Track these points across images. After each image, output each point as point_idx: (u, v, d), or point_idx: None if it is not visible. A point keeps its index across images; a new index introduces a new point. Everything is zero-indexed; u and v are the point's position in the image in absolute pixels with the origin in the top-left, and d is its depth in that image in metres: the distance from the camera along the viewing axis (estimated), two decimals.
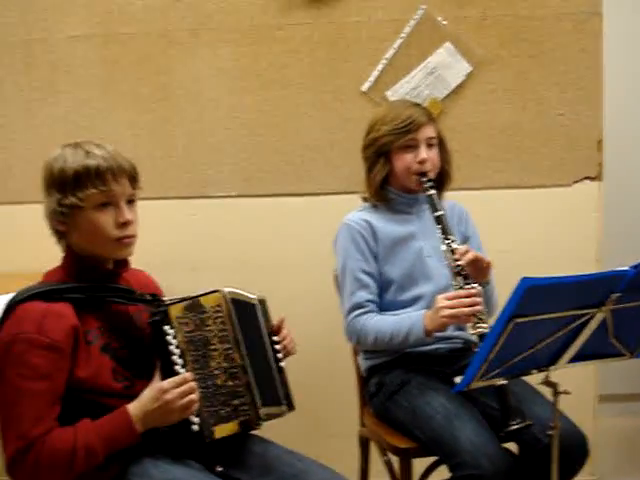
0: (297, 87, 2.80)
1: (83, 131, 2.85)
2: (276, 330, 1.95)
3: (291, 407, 1.94)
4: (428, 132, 2.24)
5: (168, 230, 2.83)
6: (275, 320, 1.97)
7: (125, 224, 1.73)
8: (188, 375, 1.69)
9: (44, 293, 1.68)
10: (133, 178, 1.77)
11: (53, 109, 2.91)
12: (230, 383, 1.75)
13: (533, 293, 1.60)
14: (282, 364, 1.94)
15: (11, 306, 1.69)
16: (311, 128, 2.81)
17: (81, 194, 1.69)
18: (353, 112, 2.77)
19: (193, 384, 1.68)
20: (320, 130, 2.81)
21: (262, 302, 1.95)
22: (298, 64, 2.79)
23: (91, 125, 2.88)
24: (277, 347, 1.93)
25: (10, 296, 2.29)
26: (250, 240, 2.88)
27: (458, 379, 1.85)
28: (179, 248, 2.87)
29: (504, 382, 1.94)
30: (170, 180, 2.87)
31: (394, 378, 2.24)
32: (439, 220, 2.18)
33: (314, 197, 2.83)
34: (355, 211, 2.36)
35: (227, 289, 1.80)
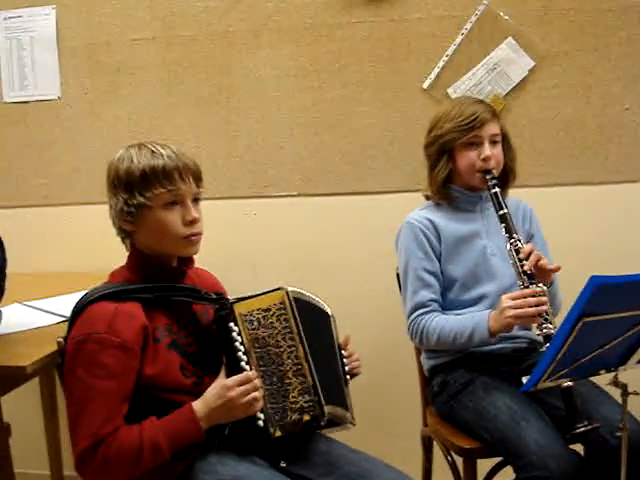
0: (357, 86, 2.79)
1: (146, 132, 2.89)
2: (343, 346, 1.95)
3: (353, 422, 1.92)
4: (492, 129, 2.21)
5: (229, 230, 2.86)
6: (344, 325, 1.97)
7: (192, 222, 1.76)
8: (251, 373, 1.70)
9: (113, 293, 1.71)
10: (198, 177, 1.79)
11: (117, 111, 2.97)
12: (295, 380, 1.76)
13: (603, 292, 1.56)
14: (348, 377, 1.93)
15: (82, 306, 1.71)
16: (372, 126, 2.80)
17: (149, 193, 1.72)
18: (414, 110, 2.75)
19: (257, 382, 1.69)
20: (381, 128, 2.79)
21: (332, 317, 1.96)
22: (358, 63, 2.78)
23: (154, 126, 2.92)
24: (345, 361, 1.93)
25: (78, 295, 2.34)
26: (311, 239, 2.88)
27: (525, 379, 1.83)
28: (240, 247, 2.90)
29: (569, 384, 1.91)
30: (232, 180, 2.89)
31: (458, 378, 2.22)
32: (503, 219, 2.15)
33: (375, 196, 2.81)
34: (417, 209, 2.34)
35: (290, 288, 1.80)
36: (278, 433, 1.73)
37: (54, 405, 3.10)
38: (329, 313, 1.94)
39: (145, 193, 1.71)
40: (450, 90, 2.74)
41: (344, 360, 1.93)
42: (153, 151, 1.74)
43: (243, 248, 2.90)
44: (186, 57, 2.88)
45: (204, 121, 2.90)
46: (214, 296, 1.83)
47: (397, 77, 2.77)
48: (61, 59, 2.99)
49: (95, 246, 2.90)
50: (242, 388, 1.67)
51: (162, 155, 1.73)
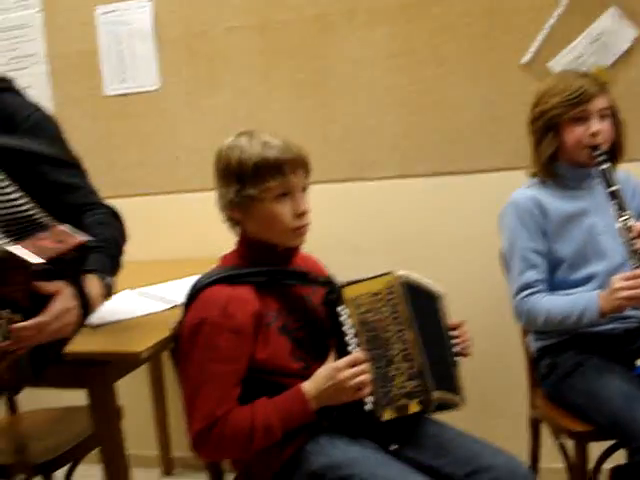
0: (454, 63, 2.74)
1: (244, 119, 2.93)
2: (455, 327, 1.92)
3: (463, 400, 1.91)
4: (600, 103, 2.14)
5: (328, 213, 2.85)
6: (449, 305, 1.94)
7: (302, 214, 1.77)
8: (360, 355, 1.69)
9: (227, 277, 1.74)
10: (307, 168, 1.80)
11: (214, 99, 3.01)
12: (403, 365, 1.75)
13: None
14: (457, 359, 1.91)
15: (196, 290, 1.75)
16: (470, 104, 2.74)
17: (261, 186, 1.72)
18: (513, 86, 2.68)
19: (366, 365, 1.69)
20: (479, 106, 2.74)
21: (442, 297, 1.93)
22: (454, 40, 2.73)
23: (251, 113, 2.95)
24: (454, 342, 1.91)
25: (184, 281, 2.39)
26: (411, 220, 2.86)
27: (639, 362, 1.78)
28: (340, 230, 2.89)
29: None
30: (329, 164, 2.89)
31: (567, 359, 2.17)
32: (614, 196, 2.08)
33: (475, 175, 2.76)
34: (522, 187, 2.29)
35: (400, 271, 1.79)
36: (385, 417, 1.72)
37: (162, 389, 3.19)
38: (439, 294, 1.92)
39: (257, 185, 1.72)
40: (551, 64, 2.66)
41: (454, 341, 1.90)
42: (264, 142, 1.74)
43: (343, 231, 2.90)
44: (281, 42, 2.90)
45: (300, 105, 2.91)
46: (323, 279, 1.84)
47: (495, 53, 2.70)
48: (159, 50, 3.05)
49: (197, 233, 2.97)
50: (351, 370, 1.67)
51: (273, 147, 1.73)
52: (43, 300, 1.55)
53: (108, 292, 1.78)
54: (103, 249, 1.80)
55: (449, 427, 1.86)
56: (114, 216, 1.96)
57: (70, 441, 2.36)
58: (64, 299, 1.59)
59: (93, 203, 1.94)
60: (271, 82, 2.93)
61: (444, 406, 1.85)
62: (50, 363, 1.69)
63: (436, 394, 1.77)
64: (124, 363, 2.03)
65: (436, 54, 2.75)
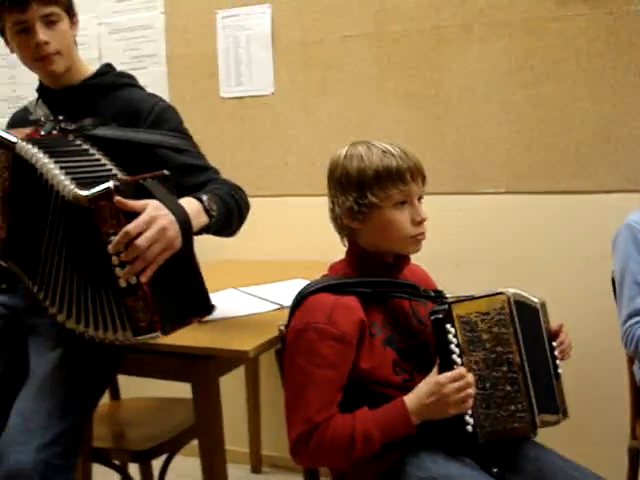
0: (573, 81, 2.69)
1: (355, 128, 2.95)
2: (554, 334, 1.87)
3: (565, 415, 1.85)
4: None
5: (435, 225, 2.77)
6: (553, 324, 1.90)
7: (420, 222, 1.77)
8: (463, 370, 1.67)
9: (333, 286, 1.75)
10: (424, 176, 1.80)
11: (327, 106, 3.05)
12: (508, 388, 1.71)
13: None
14: (560, 370, 1.86)
15: (303, 296, 1.76)
16: (587, 123, 2.69)
17: (382, 194, 1.73)
18: (633, 106, 2.61)
19: (470, 379, 1.66)
20: (597, 125, 2.68)
21: (543, 305, 1.86)
22: (574, 57, 2.68)
23: (363, 122, 2.98)
24: (555, 353, 1.85)
25: (287, 283, 2.43)
26: (518, 238, 2.82)
27: None
28: (445, 243, 2.87)
29: None
30: (438, 176, 2.87)
31: None
32: None
33: (589, 195, 2.70)
34: (638, 211, 2.23)
35: (511, 290, 1.75)
36: (486, 440, 1.70)
37: (256, 387, 3.24)
38: (538, 307, 1.84)
39: (378, 193, 1.73)
40: None
41: (555, 353, 1.84)
42: (384, 151, 1.75)
43: (447, 244, 2.88)
44: (396, 53, 2.91)
45: (412, 116, 2.92)
46: (432, 294, 1.83)
47: (615, 72, 2.64)
48: (275, 56, 3.12)
49: (303, 237, 3.01)
50: (455, 385, 1.65)
51: (394, 155, 1.74)
52: None
53: (206, 208, 1.84)
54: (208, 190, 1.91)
55: (549, 450, 1.82)
56: (236, 187, 2.07)
57: (169, 431, 2.42)
58: (149, 209, 1.66)
59: (217, 179, 2.06)
60: (384, 92, 2.95)
61: (547, 425, 1.81)
62: (195, 303, 1.80)
63: (540, 418, 1.73)
64: (229, 360, 2.07)
65: (554, 71, 2.71)
